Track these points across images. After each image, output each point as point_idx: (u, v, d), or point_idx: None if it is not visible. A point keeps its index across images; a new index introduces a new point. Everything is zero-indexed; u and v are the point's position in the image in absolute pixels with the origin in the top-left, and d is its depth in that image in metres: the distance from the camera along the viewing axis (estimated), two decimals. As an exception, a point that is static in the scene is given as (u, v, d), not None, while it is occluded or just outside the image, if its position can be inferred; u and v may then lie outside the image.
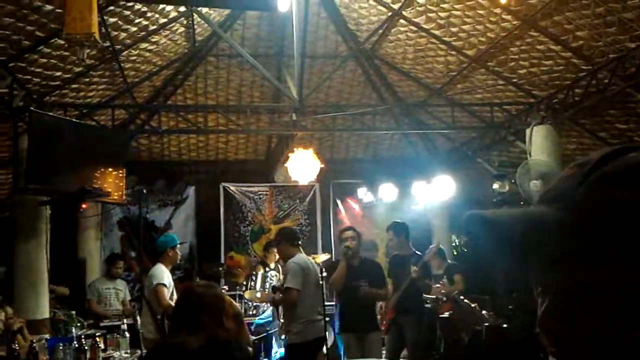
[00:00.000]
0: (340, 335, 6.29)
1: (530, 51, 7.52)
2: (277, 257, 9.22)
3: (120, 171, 7.78)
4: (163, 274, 5.95)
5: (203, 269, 9.67)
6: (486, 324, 6.59)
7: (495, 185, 8.86)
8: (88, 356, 4.68)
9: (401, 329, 6.48)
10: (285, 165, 9.45)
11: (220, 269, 9.55)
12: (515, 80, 8.27)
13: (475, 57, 8.07)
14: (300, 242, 6.20)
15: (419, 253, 7.08)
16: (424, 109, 9.69)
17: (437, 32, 7.94)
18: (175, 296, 6.07)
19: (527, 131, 8.13)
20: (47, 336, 6.00)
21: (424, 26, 7.93)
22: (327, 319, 5.83)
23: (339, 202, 11.54)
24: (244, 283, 9.16)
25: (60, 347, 4.55)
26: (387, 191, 10.98)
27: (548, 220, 0.61)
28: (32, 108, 6.79)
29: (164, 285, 5.82)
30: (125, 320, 5.94)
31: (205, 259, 10.38)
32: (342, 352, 6.71)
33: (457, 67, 8.57)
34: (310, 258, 6.34)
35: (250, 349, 3.40)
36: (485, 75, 8.50)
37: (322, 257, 8.98)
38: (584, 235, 0.59)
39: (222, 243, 10.85)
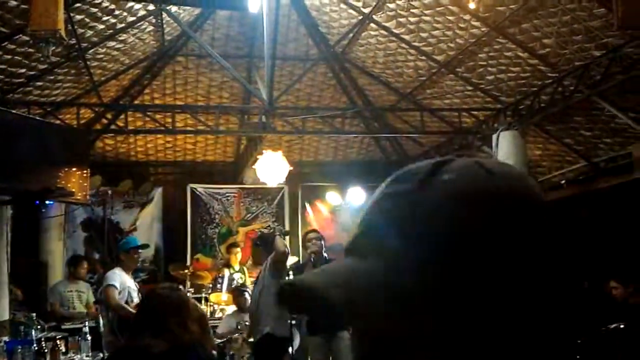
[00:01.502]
0: (307, 338, 6.27)
1: (498, 58, 7.62)
2: (240, 258, 9.17)
3: (85, 171, 7.65)
4: (114, 276, 5.87)
5: (169, 271, 9.54)
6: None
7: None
8: (48, 359, 4.56)
9: None
10: (254, 167, 9.40)
11: (186, 271, 9.43)
12: (483, 86, 8.37)
13: (444, 62, 8.14)
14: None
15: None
16: (394, 113, 9.74)
17: (407, 37, 7.99)
18: (135, 299, 5.98)
19: (494, 137, 8.22)
20: (5, 338, 5.85)
21: (394, 31, 7.97)
22: (293, 321, 5.77)
23: (307, 205, 11.51)
24: (210, 285, 9.08)
25: (19, 350, 4.43)
26: (356, 194, 11.00)
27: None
28: (-6, 105, 6.62)
29: (113, 286, 5.75)
30: (87, 323, 5.84)
31: (171, 261, 10.24)
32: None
33: (427, 72, 8.63)
34: None
35: (214, 352, 3.35)
36: (454, 81, 8.58)
37: (290, 260, 8.93)
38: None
39: (188, 245, 10.73)
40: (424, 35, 7.78)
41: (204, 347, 3.07)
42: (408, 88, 9.31)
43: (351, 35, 8.56)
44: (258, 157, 9.21)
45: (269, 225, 11.22)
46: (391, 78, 9.33)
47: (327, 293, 0.54)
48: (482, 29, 7.20)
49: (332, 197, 11.29)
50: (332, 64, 9.59)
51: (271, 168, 8.89)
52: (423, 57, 8.28)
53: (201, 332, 3.16)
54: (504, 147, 8.06)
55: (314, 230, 6.63)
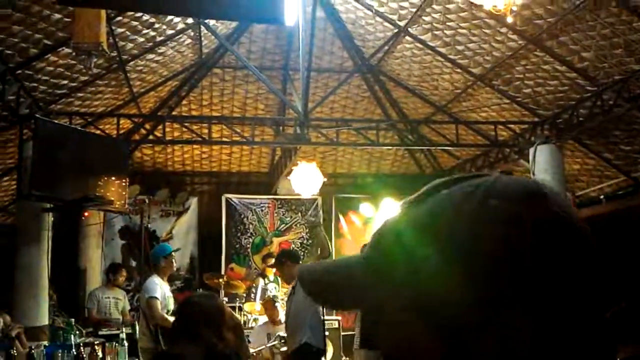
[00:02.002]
0: (359, 350, 6.24)
1: (535, 71, 7.55)
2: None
3: (123, 180, 7.79)
4: (155, 286, 5.90)
5: (204, 279, 9.63)
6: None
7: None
8: (86, 364, 4.66)
9: None
10: (288, 178, 9.46)
11: (221, 280, 9.51)
12: (519, 99, 8.30)
13: (480, 75, 8.10)
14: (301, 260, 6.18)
15: None
16: (429, 125, 9.71)
17: (442, 50, 7.98)
18: (172, 307, 6.05)
19: (531, 150, 8.13)
20: (45, 343, 5.99)
21: (430, 43, 7.97)
22: (326, 333, 5.77)
23: (341, 216, 11.52)
24: (244, 295, 9.13)
25: (59, 354, 4.53)
26: (389, 206, 10.98)
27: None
28: (37, 115, 6.81)
29: (156, 298, 5.79)
30: (124, 330, 5.93)
31: (206, 269, 10.35)
32: None
33: (462, 85, 8.60)
34: None
35: (249, 361, 3.38)
36: (490, 94, 8.53)
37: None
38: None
39: (223, 254, 10.83)
40: (459, 48, 7.76)
41: (239, 355, 3.11)
42: (443, 101, 9.28)
43: (386, 47, 8.59)
44: (293, 168, 9.27)
45: (302, 236, 11.27)
46: (426, 91, 9.32)
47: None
48: (519, 42, 7.16)
49: (366, 208, 11.29)
50: (366, 76, 9.63)
51: (305, 179, 8.93)
52: (459, 70, 8.25)
53: (236, 341, 3.20)
54: (541, 161, 7.96)
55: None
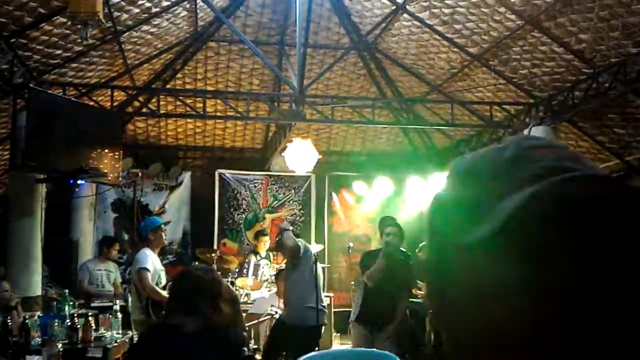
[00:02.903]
0: (354, 323, 6.25)
1: (532, 52, 7.54)
2: (268, 245, 9.25)
3: (117, 153, 7.76)
4: (146, 258, 5.93)
5: (196, 254, 9.66)
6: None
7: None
8: (80, 335, 4.68)
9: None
10: (283, 154, 9.45)
11: (213, 255, 9.54)
12: (515, 80, 8.29)
13: (477, 55, 8.08)
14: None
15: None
16: (424, 104, 9.70)
17: (440, 29, 7.95)
18: (163, 280, 6.07)
19: (525, 131, 8.15)
20: (39, 313, 6.01)
21: (428, 22, 7.94)
22: (324, 309, 5.79)
23: (334, 194, 11.55)
24: (237, 270, 9.16)
25: (55, 325, 4.55)
26: (383, 185, 11.01)
27: None
28: (31, 85, 6.74)
29: (146, 269, 5.82)
30: (117, 302, 5.95)
31: (198, 244, 10.37)
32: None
33: (459, 64, 8.58)
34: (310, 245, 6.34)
35: (245, 334, 3.41)
36: (487, 74, 8.52)
37: (315, 248, 8.98)
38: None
39: (215, 229, 10.85)
40: (457, 27, 7.73)
41: (235, 327, 3.14)
42: (439, 80, 9.27)
43: (384, 25, 8.54)
44: (287, 144, 9.25)
45: (295, 213, 11.29)
46: (422, 69, 9.30)
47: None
48: (517, 22, 7.13)
49: (359, 186, 11.32)
50: (363, 54, 9.58)
51: (300, 156, 8.93)
52: (456, 49, 8.23)
53: (233, 313, 3.22)
54: (535, 142, 7.98)
55: (393, 223, 6.17)
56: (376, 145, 11.92)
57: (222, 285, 3.19)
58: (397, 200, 11.01)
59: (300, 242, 6.19)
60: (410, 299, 7.65)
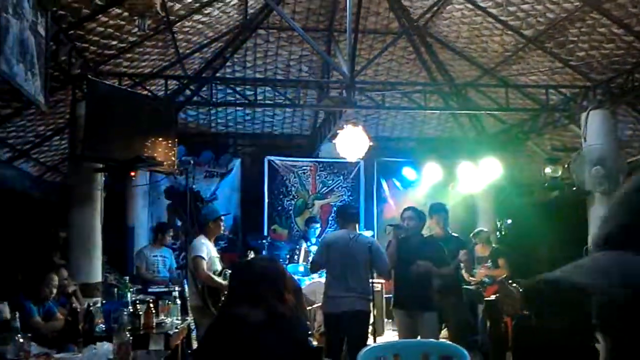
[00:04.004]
0: (394, 310, 6.29)
1: (590, 33, 7.31)
2: (318, 232, 9.29)
3: (171, 141, 7.86)
4: (202, 246, 6.02)
5: (247, 240, 9.79)
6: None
7: (548, 170, 8.67)
8: (142, 321, 4.78)
9: (440, 310, 6.43)
10: (333, 141, 9.43)
11: (264, 241, 9.64)
12: (572, 62, 8.06)
13: (532, 37, 7.88)
14: (351, 220, 6.14)
15: (455, 235, 7.00)
16: (475, 89, 9.52)
17: (493, 11, 7.77)
18: (218, 267, 6.14)
19: (583, 115, 7.93)
20: (99, 299, 6.18)
21: (481, 4, 7.77)
22: (370, 296, 5.72)
23: (382, 180, 11.50)
24: (288, 256, 9.25)
25: (118, 311, 4.66)
26: (432, 171, 10.90)
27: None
28: (89, 76, 6.89)
29: (202, 257, 5.90)
30: (176, 288, 6.06)
31: (248, 231, 10.49)
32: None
33: (513, 47, 8.39)
34: (357, 233, 6.22)
35: (308, 323, 3.44)
36: (542, 57, 8.30)
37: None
38: None
39: (265, 216, 10.95)
40: (512, 9, 7.54)
41: (299, 317, 3.16)
42: (492, 63, 9.08)
43: (435, 8, 8.40)
44: (338, 131, 9.22)
45: (343, 200, 11.30)
46: (475, 53, 9.12)
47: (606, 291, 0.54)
48: (575, 4, 6.92)
49: (408, 172, 11.24)
50: (413, 39, 9.44)
51: (351, 143, 8.90)
52: (510, 32, 8.04)
53: (296, 303, 3.24)
54: (594, 127, 7.78)
55: (410, 208, 6.34)
56: (425, 130, 11.78)
57: (286, 276, 3.21)
58: (447, 185, 10.89)
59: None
60: (465, 286, 7.61)
